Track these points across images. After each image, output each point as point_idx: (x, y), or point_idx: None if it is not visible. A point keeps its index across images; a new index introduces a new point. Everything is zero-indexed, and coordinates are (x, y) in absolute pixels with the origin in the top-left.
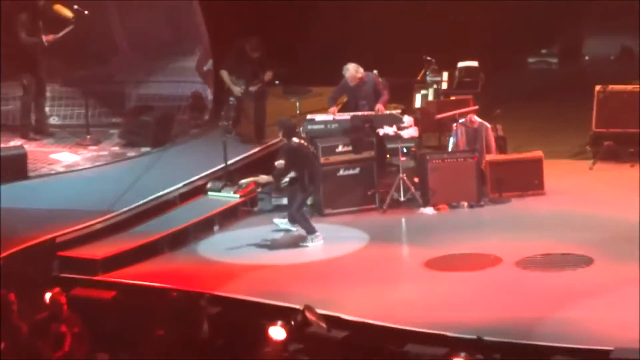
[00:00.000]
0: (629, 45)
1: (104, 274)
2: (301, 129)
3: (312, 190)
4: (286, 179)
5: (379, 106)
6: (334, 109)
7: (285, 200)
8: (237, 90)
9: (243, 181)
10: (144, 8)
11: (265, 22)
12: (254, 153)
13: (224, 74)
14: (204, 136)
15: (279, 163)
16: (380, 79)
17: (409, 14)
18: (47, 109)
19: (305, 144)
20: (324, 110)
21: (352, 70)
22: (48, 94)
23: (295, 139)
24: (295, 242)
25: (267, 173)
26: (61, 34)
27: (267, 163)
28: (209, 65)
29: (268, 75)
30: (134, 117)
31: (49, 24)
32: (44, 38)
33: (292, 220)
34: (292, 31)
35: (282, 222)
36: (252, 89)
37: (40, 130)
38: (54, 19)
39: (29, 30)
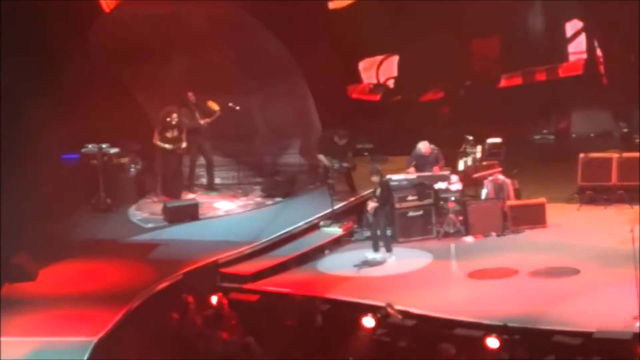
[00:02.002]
0: (608, 129)
1: (251, 283)
2: None
3: (390, 214)
4: (371, 211)
5: (436, 168)
6: (412, 169)
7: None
8: (336, 166)
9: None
10: (275, 103)
11: (357, 118)
12: (350, 201)
13: (321, 157)
14: (317, 190)
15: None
16: (437, 151)
17: (455, 107)
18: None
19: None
20: (396, 170)
21: (425, 145)
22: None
23: (387, 176)
24: (379, 262)
25: (359, 214)
26: (212, 118)
27: (358, 208)
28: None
29: (349, 155)
30: (270, 177)
31: (204, 112)
32: (202, 122)
33: (389, 248)
34: (376, 121)
35: (370, 254)
36: (345, 165)
37: (210, 187)
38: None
39: (189, 117)
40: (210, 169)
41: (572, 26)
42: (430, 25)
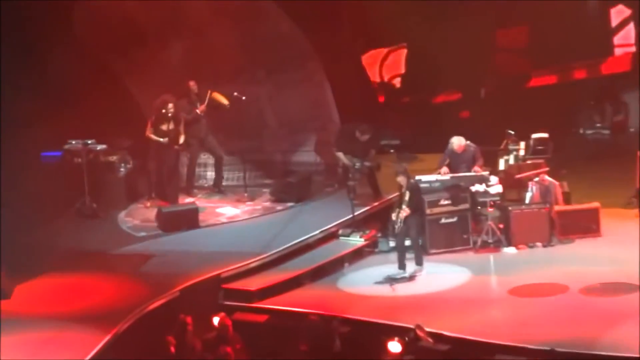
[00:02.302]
0: None
1: (259, 301)
2: None
3: (421, 221)
4: (402, 219)
5: (477, 168)
6: (445, 169)
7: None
8: (357, 166)
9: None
10: (287, 93)
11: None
12: (374, 206)
13: (340, 155)
14: (335, 193)
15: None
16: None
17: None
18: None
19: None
20: (426, 170)
21: (459, 141)
22: (212, 161)
23: (416, 177)
24: (407, 278)
25: (383, 221)
26: (205, 103)
27: (383, 214)
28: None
29: (372, 153)
30: (281, 179)
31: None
32: (198, 110)
33: (419, 261)
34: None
35: (395, 271)
36: (368, 164)
37: (216, 188)
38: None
39: (188, 111)
40: (219, 166)
41: (618, 13)
42: (446, 13)
